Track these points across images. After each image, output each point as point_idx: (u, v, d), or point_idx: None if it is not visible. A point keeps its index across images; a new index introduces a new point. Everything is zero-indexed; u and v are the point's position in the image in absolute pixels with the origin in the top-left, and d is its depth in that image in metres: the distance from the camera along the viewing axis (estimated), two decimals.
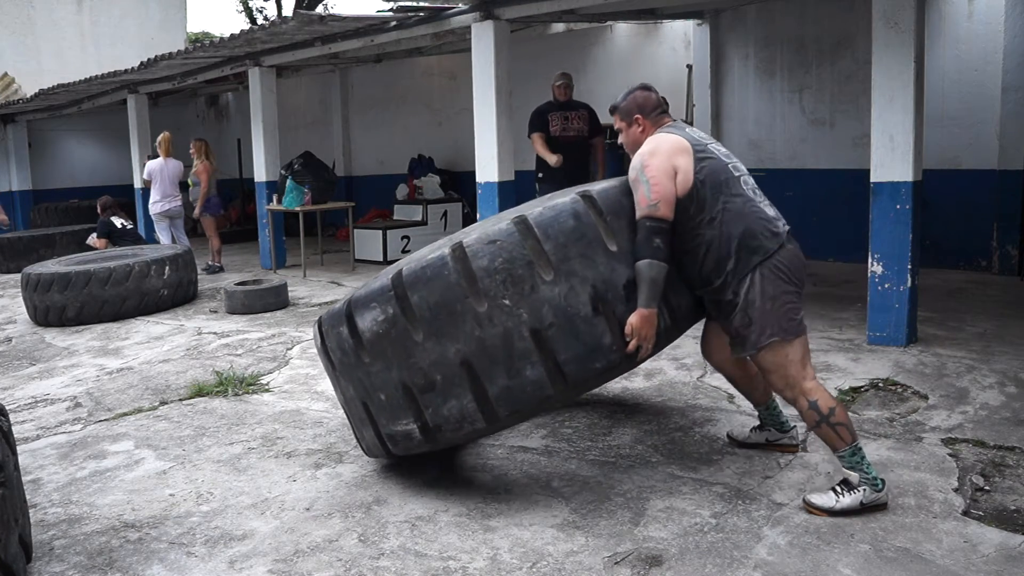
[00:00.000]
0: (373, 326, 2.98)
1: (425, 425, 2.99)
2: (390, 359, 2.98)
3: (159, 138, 9.41)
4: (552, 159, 6.63)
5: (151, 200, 9.29)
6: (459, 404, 2.91)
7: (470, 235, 2.99)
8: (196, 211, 9.35)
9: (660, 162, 2.92)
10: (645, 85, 3.24)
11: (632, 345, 2.88)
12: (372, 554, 2.76)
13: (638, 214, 2.91)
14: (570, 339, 2.85)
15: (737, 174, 3.02)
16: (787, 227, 3.02)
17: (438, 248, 3.03)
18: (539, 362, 2.84)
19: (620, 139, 3.24)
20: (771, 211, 3.02)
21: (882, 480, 2.88)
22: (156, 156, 9.41)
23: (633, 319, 2.87)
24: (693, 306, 3.14)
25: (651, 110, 3.16)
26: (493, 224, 3.03)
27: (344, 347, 3.10)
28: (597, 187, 3.07)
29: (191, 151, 9.38)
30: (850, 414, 3.84)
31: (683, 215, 2.94)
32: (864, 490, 2.85)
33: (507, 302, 2.84)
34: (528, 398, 2.88)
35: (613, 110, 3.23)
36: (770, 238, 2.92)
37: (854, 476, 2.86)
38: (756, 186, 3.07)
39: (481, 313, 2.85)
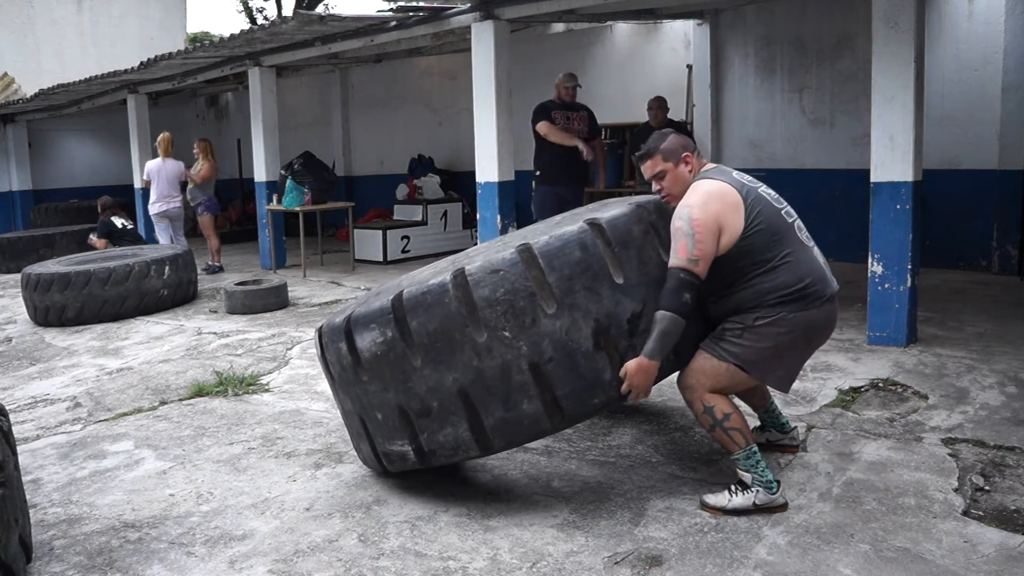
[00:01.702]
0: (372, 347, 2.95)
1: (420, 448, 2.98)
2: (387, 381, 2.96)
3: (159, 138, 9.40)
4: (578, 144, 6.50)
5: (150, 201, 9.31)
6: (454, 432, 2.90)
7: (473, 261, 2.92)
8: (190, 174, 9.20)
9: (708, 219, 2.79)
10: (674, 132, 3.11)
11: (624, 388, 2.80)
12: (372, 554, 2.76)
13: (674, 262, 2.78)
14: (569, 374, 2.80)
15: (791, 220, 2.94)
16: (836, 286, 2.98)
17: (440, 273, 2.98)
18: (536, 396, 2.81)
19: (659, 185, 3.03)
20: (823, 261, 2.97)
21: (777, 483, 2.91)
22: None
23: (631, 366, 2.77)
24: (699, 339, 3.08)
25: (694, 149, 3.04)
26: (498, 251, 2.97)
27: (343, 363, 3.08)
28: (606, 215, 2.95)
29: (195, 151, 9.41)
30: (850, 414, 3.85)
31: (729, 265, 2.85)
32: (757, 491, 2.88)
33: (507, 334, 2.79)
34: (524, 431, 2.86)
35: (649, 155, 3.02)
36: (814, 294, 2.87)
37: (748, 477, 2.90)
38: (808, 234, 3.01)
39: (480, 344, 2.80)
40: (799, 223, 2.99)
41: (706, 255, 2.78)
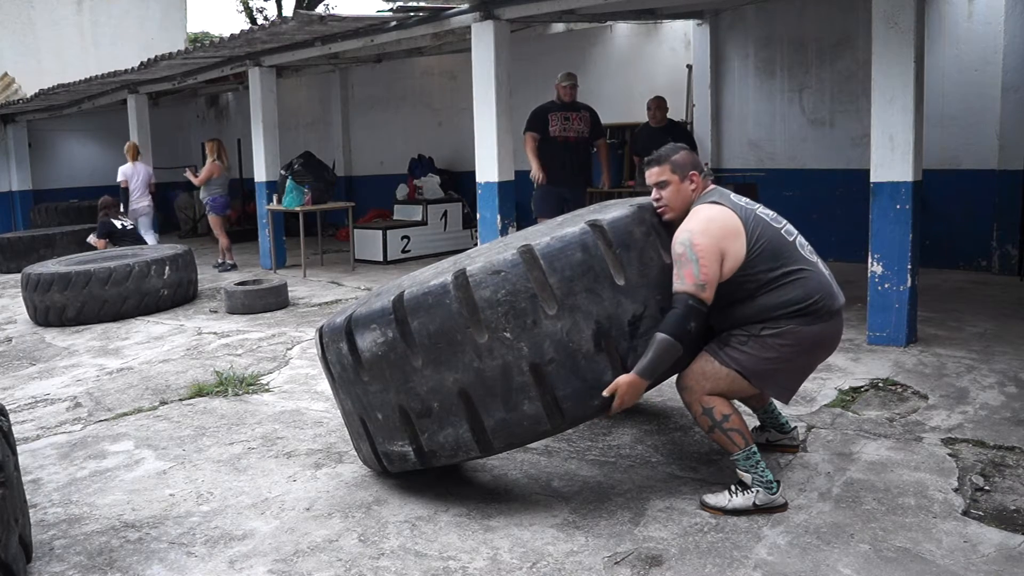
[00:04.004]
0: (372, 347, 2.95)
1: (420, 448, 2.98)
2: (388, 381, 2.96)
3: (127, 145, 10.43)
4: (534, 171, 6.76)
5: (131, 200, 10.07)
6: (455, 433, 2.90)
7: (475, 262, 2.91)
8: (188, 173, 9.97)
9: (710, 244, 2.79)
10: (687, 149, 3.11)
11: (616, 405, 2.80)
12: (372, 554, 2.76)
13: (681, 287, 2.78)
14: (570, 375, 2.80)
15: (791, 238, 2.94)
16: (843, 300, 2.99)
17: (441, 273, 2.97)
18: (537, 397, 2.80)
19: (659, 193, 3.02)
20: (829, 275, 2.98)
21: (777, 483, 2.92)
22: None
23: (622, 382, 2.78)
24: (700, 342, 3.06)
25: (702, 169, 3.05)
26: (499, 252, 2.97)
27: (344, 363, 3.09)
28: (608, 216, 2.95)
29: (207, 150, 9.82)
30: (850, 414, 3.86)
31: (734, 286, 2.86)
32: (758, 491, 2.89)
33: (508, 335, 2.79)
34: (524, 432, 2.86)
35: (659, 161, 3.02)
36: (822, 309, 2.88)
37: (748, 477, 2.90)
38: (811, 248, 3.01)
39: (481, 344, 2.80)
40: (801, 239, 2.99)
41: (712, 280, 2.78)
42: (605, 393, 2.80)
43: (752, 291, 2.87)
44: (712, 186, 3.07)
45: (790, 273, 2.86)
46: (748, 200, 3.02)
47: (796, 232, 3.00)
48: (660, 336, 2.76)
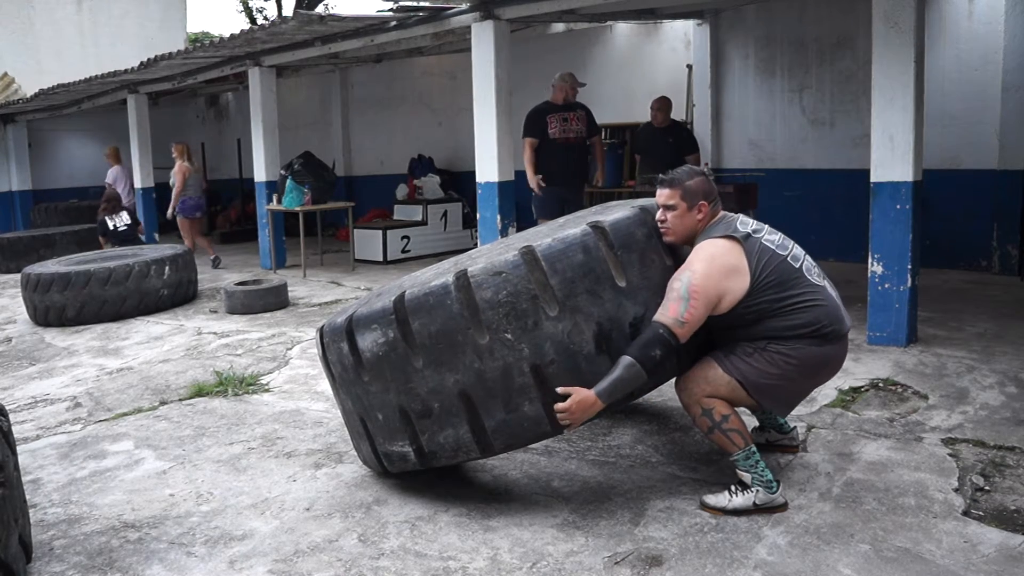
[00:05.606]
0: (373, 347, 2.95)
1: (420, 449, 2.98)
2: (389, 382, 2.96)
3: (109, 149, 11.44)
4: (533, 182, 6.77)
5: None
6: (455, 433, 2.90)
7: (476, 263, 2.91)
8: (169, 212, 9.88)
9: (709, 288, 2.77)
10: (704, 176, 3.07)
11: (561, 417, 2.74)
12: (372, 554, 2.76)
13: (660, 318, 2.76)
14: (571, 377, 2.79)
15: (797, 264, 2.91)
16: (849, 324, 2.98)
17: (442, 274, 2.98)
18: (537, 398, 2.80)
19: (664, 215, 2.99)
20: (836, 297, 2.96)
21: (777, 482, 2.92)
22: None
23: (574, 399, 2.71)
24: (701, 349, 3.06)
25: (713, 199, 3.01)
26: (500, 253, 2.97)
27: (344, 363, 3.09)
28: (609, 218, 2.95)
29: (173, 153, 9.87)
30: (850, 414, 3.86)
31: (738, 316, 2.85)
32: (757, 491, 2.89)
33: (509, 336, 2.79)
34: (524, 433, 2.86)
35: (671, 184, 2.98)
36: (830, 334, 2.87)
37: (747, 477, 2.90)
38: (819, 269, 2.99)
39: (482, 345, 2.80)
40: (807, 263, 2.96)
41: (694, 321, 2.77)
42: (560, 390, 2.75)
43: (754, 320, 2.87)
44: (721, 213, 3.03)
45: (796, 300, 2.85)
46: (756, 224, 2.99)
47: (804, 255, 2.98)
48: (626, 359, 2.73)
